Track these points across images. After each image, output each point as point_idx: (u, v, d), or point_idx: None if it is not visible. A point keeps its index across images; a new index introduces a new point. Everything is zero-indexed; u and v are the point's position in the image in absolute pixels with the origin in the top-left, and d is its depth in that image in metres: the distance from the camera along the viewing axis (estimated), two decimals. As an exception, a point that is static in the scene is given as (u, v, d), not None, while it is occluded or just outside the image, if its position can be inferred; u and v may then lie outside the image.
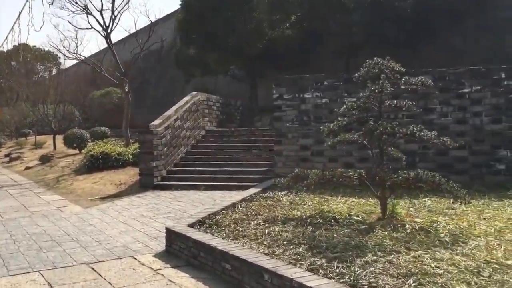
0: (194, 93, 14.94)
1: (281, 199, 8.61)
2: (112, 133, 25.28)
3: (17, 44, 61.38)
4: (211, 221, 6.73)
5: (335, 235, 5.71)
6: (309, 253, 4.98)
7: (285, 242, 5.49)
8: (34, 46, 55.76)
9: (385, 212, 6.44)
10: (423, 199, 7.89)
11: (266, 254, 5.01)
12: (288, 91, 11.14)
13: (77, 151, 21.39)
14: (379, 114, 6.42)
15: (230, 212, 7.40)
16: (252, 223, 6.66)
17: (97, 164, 14.94)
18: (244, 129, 15.93)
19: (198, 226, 6.44)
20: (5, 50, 62.97)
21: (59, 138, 23.08)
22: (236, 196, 9.52)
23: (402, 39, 17.66)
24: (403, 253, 4.90)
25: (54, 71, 49.09)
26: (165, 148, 12.57)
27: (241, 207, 7.86)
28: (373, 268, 4.42)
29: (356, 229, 5.98)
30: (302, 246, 5.28)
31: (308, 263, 4.62)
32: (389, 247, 5.12)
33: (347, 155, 10.54)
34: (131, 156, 15.21)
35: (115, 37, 36.62)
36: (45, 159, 19.95)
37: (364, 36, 19.59)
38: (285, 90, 11.17)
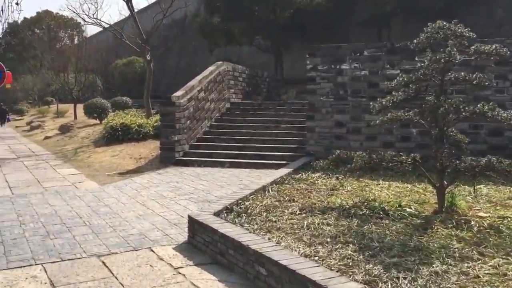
0: (219, 62, 13.99)
1: (316, 181, 7.72)
2: (134, 103, 24.64)
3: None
4: (240, 208, 5.90)
5: (387, 231, 4.82)
6: (361, 256, 4.11)
7: (328, 239, 4.63)
8: (57, 12, 55.14)
9: (443, 203, 5.50)
10: (478, 186, 6.91)
11: (308, 255, 4.16)
12: (323, 61, 10.11)
13: (97, 121, 20.83)
14: (440, 88, 5.41)
15: (260, 197, 6.56)
16: (286, 211, 5.81)
17: (116, 136, 14.25)
18: (272, 102, 14.97)
19: (225, 214, 5.61)
20: (29, 17, 62.68)
21: (80, 107, 22.51)
22: (265, 176, 8.68)
23: (438, 8, 16.31)
24: (478, 261, 3.99)
25: (77, 40, 48.45)
26: (188, 121, 11.75)
27: (272, 190, 7.00)
28: (447, 284, 3.53)
29: (410, 224, 5.07)
30: (351, 245, 4.40)
31: (363, 272, 3.74)
32: (457, 251, 4.21)
33: (387, 133, 9.54)
34: (151, 129, 14.48)
35: (137, 5, 35.67)
36: (64, 129, 19.43)
37: (396, 4, 18.30)
38: (320, 60, 10.14)
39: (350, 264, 3.95)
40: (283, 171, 8.52)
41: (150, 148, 12.90)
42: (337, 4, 22.46)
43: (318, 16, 21.20)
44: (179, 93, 11.64)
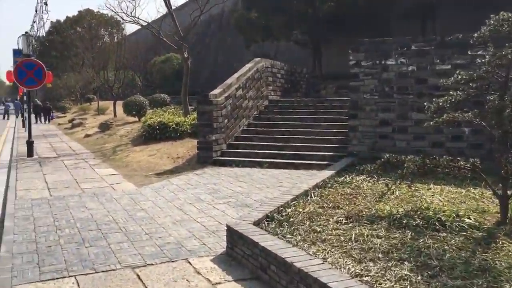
0: (257, 59, 13.64)
1: (361, 185, 7.26)
2: (172, 100, 24.66)
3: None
4: (281, 216, 5.54)
5: (446, 246, 4.35)
6: (419, 277, 3.67)
7: (379, 255, 4.20)
8: (98, 11, 56.20)
9: (506, 214, 4.97)
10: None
11: (358, 275, 3.76)
12: (367, 57, 9.59)
13: (136, 118, 20.90)
14: (505, 87, 4.86)
15: (302, 203, 6.18)
16: (331, 219, 5.41)
17: (154, 134, 14.16)
18: (311, 99, 14.50)
19: (266, 223, 5.26)
20: (71, 16, 64.20)
21: (120, 105, 22.68)
22: (306, 178, 8.30)
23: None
24: (556, 286, 3.49)
25: (117, 38, 49.19)
26: (226, 120, 11.47)
27: (314, 195, 6.60)
28: (525, 316, 3.06)
29: (471, 237, 4.58)
30: (406, 263, 3.97)
31: (424, 299, 3.32)
32: (530, 272, 3.71)
33: (436, 132, 8.92)
34: (189, 127, 14.31)
35: (175, 2, 35.78)
36: (104, 127, 19.59)
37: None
38: (364, 56, 9.62)
39: (408, 287, 3.53)
40: (325, 174, 8.10)
41: (187, 147, 12.72)
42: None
43: (358, 9, 20.54)
44: (216, 91, 11.37)
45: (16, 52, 24.72)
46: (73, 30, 57.88)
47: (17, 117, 35.11)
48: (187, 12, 22.55)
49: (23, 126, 31.32)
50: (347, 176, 7.91)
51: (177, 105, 24.58)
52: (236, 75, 12.34)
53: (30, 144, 13.22)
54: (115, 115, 25.30)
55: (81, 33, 52.37)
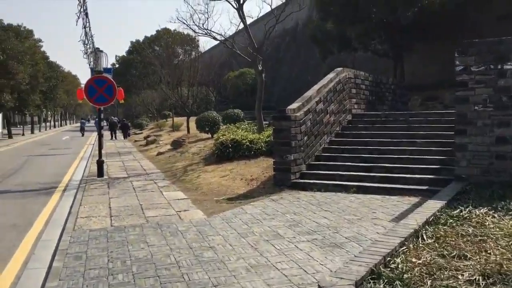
0: (339, 69, 12.27)
1: (485, 222, 5.66)
2: (246, 115, 23.86)
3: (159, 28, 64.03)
4: (390, 270, 4.14)
5: None
6: None
7: None
8: (175, 29, 57.49)
9: None
10: None
11: None
12: (478, 60, 7.94)
13: (209, 135, 20.24)
14: None
15: (413, 248, 4.74)
16: (461, 277, 3.96)
17: (227, 153, 13.19)
18: (401, 112, 12.87)
19: (372, 282, 3.89)
20: (149, 35, 66.38)
21: (194, 121, 22.18)
22: (405, 208, 6.82)
23: None
24: None
25: (193, 55, 49.96)
26: (305, 137, 10.20)
27: (426, 236, 5.13)
28: None
29: None
30: None
31: None
32: None
33: None
34: (264, 144, 13.20)
35: (249, 13, 35.15)
36: (176, 144, 19.05)
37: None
38: (474, 59, 7.98)
39: None
40: (432, 204, 6.54)
41: (262, 167, 11.58)
42: (468, -2, 19.63)
43: (445, 13, 18.59)
44: (294, 105, 10.15)
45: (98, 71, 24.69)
46: (151, 49, 59.64)
47: (111, 135, 36.21)
48: (260, 28, 21.81)
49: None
50: (461, 208, 6.31)
51: (251, 120, 23.74)
52: (316, 87, 11.06)
53: (100, 164, 12.74)
54: (188, 131, 24.92)
55: (159, 51, 53.82)
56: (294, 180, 9.78)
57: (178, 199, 9.27)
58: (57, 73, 47.57)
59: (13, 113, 44.66)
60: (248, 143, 13.17)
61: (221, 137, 13.99)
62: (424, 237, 5.11)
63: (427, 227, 5.48)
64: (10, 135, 39.05)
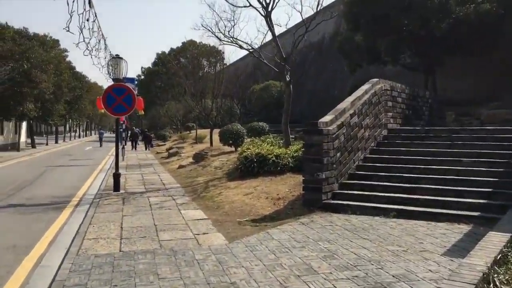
0: (375, 80, 11.31)
1: None
2: (270, 128, 23.01)
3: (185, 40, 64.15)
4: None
5: None
6: None
7: None
8: (200, 42, 57.41)
9: None
10: None
11: None
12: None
13: (232, 148, 19.42)
14: None
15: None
16: None
17: (251, 168, 12.32)
18: (444, 128, 11.80)
19: None
20: (175, 47, 66.58)
21: (217, 133, 21.44)
22: (456, 238, 5.82)
23: None
24: None
25: (218, 66, 49.68)
26: (338, 154, 9.24)
27: (499, 282, 4.11)
28: None
29: None
30: None
31: None
32: None
33: None
34: (291, 160, 12.30)
35: (276, 21, 34.52)
36: (198, 158, 18.27)
37: None
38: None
39: None
40: (495, 238, 5.49)
41: (289, 185, 10.65)
42: (509, 8, 18.45)
43: (481, 26, 17.48)
44: (327, 118, 9.22)
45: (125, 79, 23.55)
46: (176, 61, 59.69)
47: (132, 146, 35.98)
48: (288, 40, 21.10)
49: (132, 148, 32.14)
50: (533, 243, 5.26)
51: (276, 133, 22.85)
52: (350, 98, 10.11)
53: (116, 177, 12.00)
54: (211, 144, 24.19)
55: (184, 63, 53.67)
56: (325, 201, 8.81)
57: (197, 219, 8.39)
58: (82, 83, 47.63)
59: (38, 122, 44.77)
60: (274, 158, 12.28)
61: (245, 151, 13.13)
62: (497, 283, 4.10)
63: (496, 268, 4.47)
64: (33, 145, 39.04)
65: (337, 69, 42.48)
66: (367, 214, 8.21)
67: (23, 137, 40.69)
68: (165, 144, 37.89)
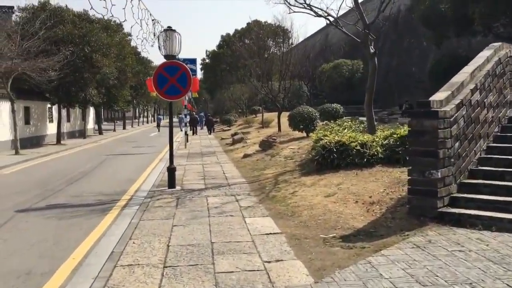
0: (497, 44, 8.60)
1: None
2: (344, 111, 20.57)
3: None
4: None
5: None
6: None
7: None
8: (266, 21, 55.18)
9: None
10: None
11: None
12: None
13: (304, 134, 17.24)
14: None
15: None
16: None
17: (330, 159, 10.09)
18: None
19: None
20: (239, 28, 64.85)
21: (285, 116, 19.32)
22: None
23: None
24: None
25: (284, 47, 47.33)
26: (457, 144, 6.78)
27: None
28: None
29: None
30: None
31: None
32: None
33: None
34: (381, 149, 9.94)
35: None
36: (265, 145, 16.23)
37: None
38: None
39: None
40: None
41: (383, 183, 8.31)
42: None
43: None
44: (440, 95, 6.77)
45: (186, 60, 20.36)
46: (241, 42, 57.75)
47: (193, 131, 35.05)
48: (369, 7, 18.40)
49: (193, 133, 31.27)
50: None
51: (349, 116, 20.33)
52: (468, 68, 7.55)
53: (171, 172, 10.20)
54: (279, 129, 22.12)
55: (249, 44, 51.68)
56: (441, 209, 6.42)
57: (267, 233, 6.31)
58: (146, 68, 47.01)
59: (104, 108, 44.74)
60: (359, 147, 9.96)
61: (322, 138, 10.88)
62: None
63: None
64: (100, 131, 38.86)
65: (413, 45, 38.76)
66: (508, 230, 5.76)
67: (91, 124, 40.69)
68: (230, 129, 36.31)
